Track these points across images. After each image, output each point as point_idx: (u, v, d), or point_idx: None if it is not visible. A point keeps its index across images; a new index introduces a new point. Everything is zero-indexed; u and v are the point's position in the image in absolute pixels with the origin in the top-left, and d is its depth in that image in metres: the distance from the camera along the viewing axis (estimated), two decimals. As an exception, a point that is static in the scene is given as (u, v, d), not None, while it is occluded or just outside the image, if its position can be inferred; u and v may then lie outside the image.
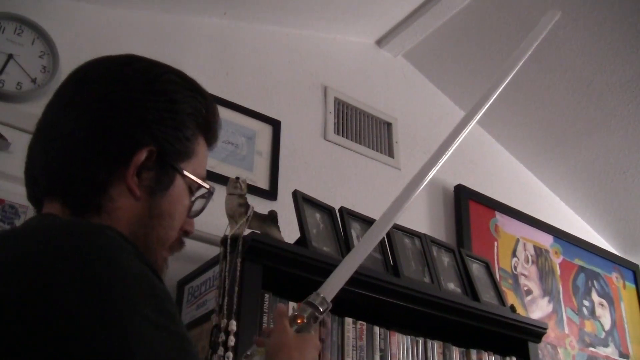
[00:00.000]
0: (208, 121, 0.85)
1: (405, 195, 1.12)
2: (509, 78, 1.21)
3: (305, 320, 0.90)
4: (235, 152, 2.15)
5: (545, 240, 3.06)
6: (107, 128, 0.77)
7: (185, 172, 0.81)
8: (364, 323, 1.80)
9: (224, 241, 1.57)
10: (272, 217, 1.69)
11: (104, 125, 0.77)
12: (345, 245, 1.82)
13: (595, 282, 3.22)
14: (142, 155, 0.76)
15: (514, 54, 1.24)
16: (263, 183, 2.17)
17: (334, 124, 2.51)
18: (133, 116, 0.78)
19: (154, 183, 0.78)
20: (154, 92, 0.80)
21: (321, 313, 0.91)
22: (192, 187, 0.83)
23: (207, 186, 0.85)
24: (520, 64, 1.23)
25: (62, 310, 0.57)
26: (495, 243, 2.80)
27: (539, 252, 2.99)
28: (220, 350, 1.43)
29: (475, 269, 2.21)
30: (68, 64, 1.91)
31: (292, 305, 1.65)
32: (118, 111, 0.78)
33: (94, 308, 0.57)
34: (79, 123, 0.77)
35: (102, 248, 0.63)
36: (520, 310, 2.55)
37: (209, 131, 0.86)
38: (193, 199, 0.84)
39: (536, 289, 2.89)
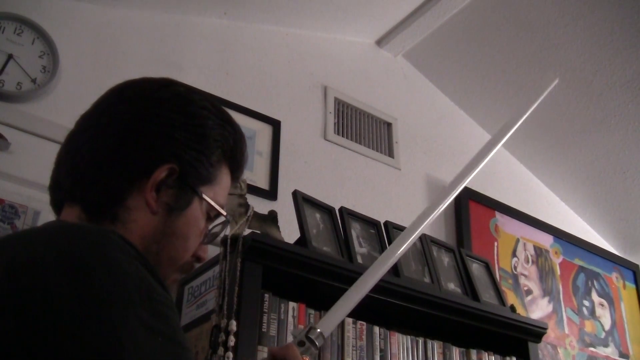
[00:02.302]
0: (234, 152, 0.86)
1: (408, 234, 1.13)
2: (501, 143, 1.23)
3: (308, 358, 0.93)
4: (235, 152, 2.15)
5: (545, 240, 3.06)
6: (133, 139, 0.78)
7: (204, 196, 0.81)
8: (364, 323, 1.79)
9: (224, 241, 1.57)
10: (272, 217, 1.69)
11: (130, 136, 0.79)
12: (345, 245, 1.82)
13: (595, 282, 3.22)
14: (163, 172, 0.77)
15: (509, 119, 1.26)
16: (263, 183, 2.17)
17: (334, 124, 2.51)
18: (160, 132, 0.79)
19: (172, 201, 0.79)
20: (185, 114, 0.81)
21: (317, 349, 0.94)
22: (210, 213, 0.84)
23: (225, 214, 0.85)
24: (515, 127, 1.25)
25: (55, 309, 0.57)
26: (495, 243, 2.80)
27: (539, 252, 2.99)
28: (220, 350, 1.43)
29: (475, 269, 2.21)
30: (68, 64, 1.91)
31: (291, 305, 1.65)
32: (146, 125, 0.79)
33: (86, 307, 0.57)
34: (107, 132, 0.79)
35: (101, 249, 0.63)
36: (520, 310, 2.55)
37: (234, 162, 0.87)
38: (210, 227, 0.85)
39: (536, 289, 2.89)
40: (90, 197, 0.77)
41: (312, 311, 1.70)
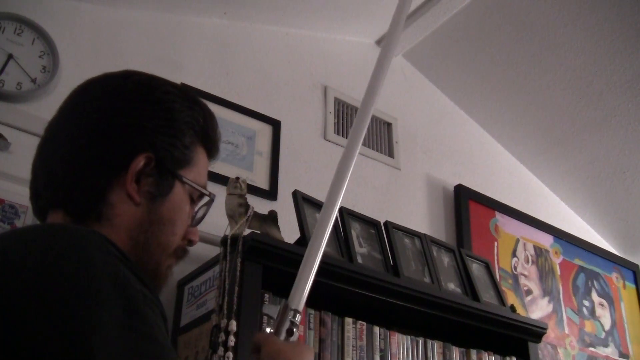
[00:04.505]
0: (206, 130, 0.86)
1: (341, 174, 1.07)
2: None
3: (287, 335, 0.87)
4: (235, 152, 2.15)
5: (545, 240, 3.06)
6: (105, 135, 0.78)
7: (185, 179, 0.82)
8: (364, 323, 1.79)
9: (224, 241, 1.57)
10: (272, 217, 1.69)
11: (101, 133, 0.79)
12: (345, 245, 1.82)
13: (595, 282, 3.22)
14: (140, 162, 0.78)
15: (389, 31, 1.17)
16: (263, 183, 2.17)
17: (334, 124, 2.51)
18: (130, 124, 0.79)
19: (153, 189, 0.79)
20: (152, 102, 0.81)
21: (297, 326, 0.88)
22: (193, 195, 0.84)
23: (208, 193, 0.85)
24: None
25: (27, 307, 0.57)
26: (495, 243, 2.80)
27: (539, 252, 2.99)
28: (220, 350, 1.43)
29: (475, 269, 2.21)
30: (68, 64, 1.91)
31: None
32: (115, 119, 0.79)
33: (57, 305, 0.57)
34: (78, 133, 0.79)
35: (78, 248, 0.63)
36: (520, 310, 2.55)
37: (208, 141, 0.87)
38: (196, 208, 0.85)
39: (536, 289, 2.89)
40: (72, 200, 0.77)
41: (312, 311, 1.70)
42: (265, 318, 1.54)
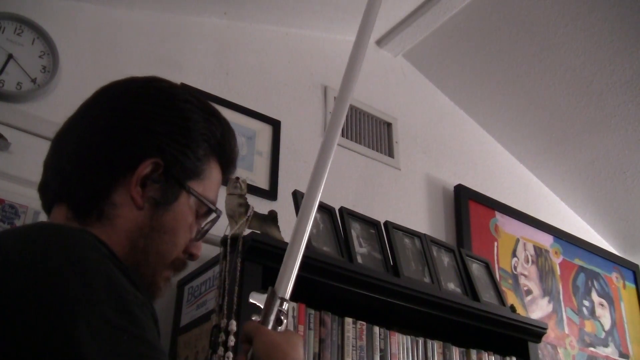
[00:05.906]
0: (222, 146, 0.84)
1: (323, 157, 1.08)
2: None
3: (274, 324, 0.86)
4: (235, 152, 2.15)
5: (545, 240, 3.06)
6: (115, 135, 0.78)
7: (192, 190, 0.80)
8: (364, 323, 1.79)
9: (224, 241, 1.57)
10: (272, 217, 1.69)
11: (112, 132, 0.78)
12: (345, 245, 1.82)
13: (595, 282, 3.22)
14: (148, 166, 0.77)
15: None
16: (263, 183, 2.17)
17: (334, 124, 2.51)
18: (142, 127, 0.78)
19: (158, 196, 0.78)
20: (168, 108, 0.80)
21: (285, 315, 0.88)
22: (200, 209, 0.82)
23: (215, 209, 0.84)
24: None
25: (19, 307, 0.58)
26: (495, 243, 2.80)
27: (539, 252, 2.99)
28: (220, 350, 1.43)
29: (475, 269, 2.21)
30: (68, 64, 1.91)
31: (291, 305, 1.65)
32: (128, 121, 0.79)
33: (48, 305, 0.58)
34: (90, 130, 0.79)
35: (70, 247, 0.63)
36: (520, 310, 2.55)
37: (223, 156, 0.85)
38: (203, 224, 0.84)
39: (536, 289, 2.89)
40: (76, 195, 0.77)
41: (312, 311, 1.70)
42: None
